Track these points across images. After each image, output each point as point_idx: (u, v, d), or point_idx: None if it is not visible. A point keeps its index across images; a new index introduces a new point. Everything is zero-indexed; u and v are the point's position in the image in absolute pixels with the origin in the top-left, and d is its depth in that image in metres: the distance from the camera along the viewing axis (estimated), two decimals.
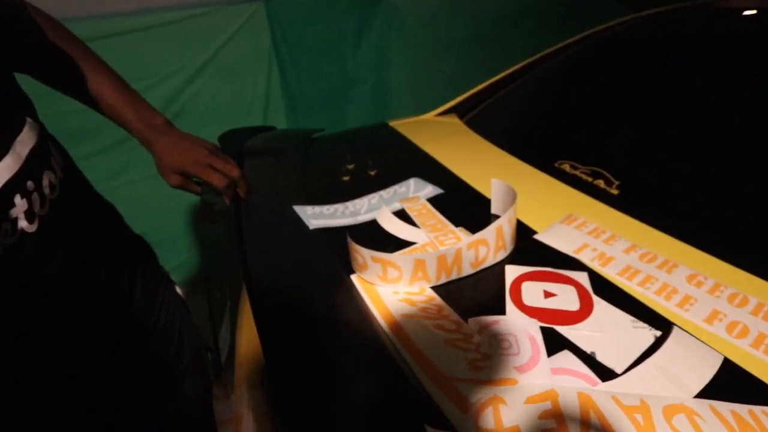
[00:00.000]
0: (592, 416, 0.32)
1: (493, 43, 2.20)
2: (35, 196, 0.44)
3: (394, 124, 1.15)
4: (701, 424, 0.31)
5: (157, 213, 1.75)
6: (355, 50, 1.95)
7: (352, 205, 0.70)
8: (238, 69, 1.72)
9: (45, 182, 0.46)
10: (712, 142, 0.70)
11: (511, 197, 0.57)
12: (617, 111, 0.88)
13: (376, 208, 0.69)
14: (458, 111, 1.19)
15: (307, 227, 0.63)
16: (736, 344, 0.40)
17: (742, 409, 0.33)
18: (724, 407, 0.33)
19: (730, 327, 0.42)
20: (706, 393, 0.35)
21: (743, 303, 0.44)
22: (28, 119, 0.46)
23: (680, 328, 0.41)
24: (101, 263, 0.52)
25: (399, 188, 0.75)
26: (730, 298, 0.45)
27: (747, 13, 0.94)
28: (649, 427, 0.31)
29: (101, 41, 1.46)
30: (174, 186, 0.66)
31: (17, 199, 0.42)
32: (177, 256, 1.87)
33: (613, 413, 0.32)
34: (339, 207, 0.70)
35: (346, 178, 0.82)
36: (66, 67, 0.60)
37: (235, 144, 0.95)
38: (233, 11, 1.63)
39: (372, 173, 0.83)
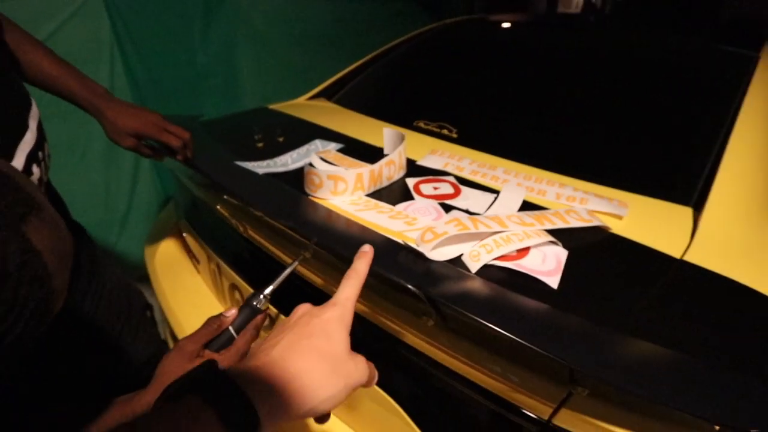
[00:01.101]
0: (477, 223, 0.62)
1: (328, 42, 2.50)
2: (43, 165, 0.53)
3: (273, 106, 1.33)
4: (522, 218, 0.65)
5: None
6: (204, 44, 1.99)
7: (279, 160, 0.89)
8: (76, 57, 1.60)
9: (46, 152, 0.55)
10: (496, 104, 1.13)
11: (400, 137, 0.86)
12: (446, 87, 1.26)
13: (298, 160, 0.89)
14: (325, 95, 1.44)
15: (257, 174, 0.80)
16: (527, 194, 0.76)
17: (537, 212, 0.68)
18: (530, 212, 0.67)
19: (527, 188, 0.78)
20: (520, 210, 0.69)
21: (529, 178, 0.82)
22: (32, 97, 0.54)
23: (506, 190, 0.76)
24: None
25: (309, 147, 0.96)
26: (525, 177, 0.82)
27: (504, 24, 1.46)
28: (500, 222, 0.63)
29: None
30: (126, 148, 0.73)
31: (34, 167, 0.51)
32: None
33: (484, 220, 0.63)
34: (269, 162, 0.87)
35: (260, 145, 0.99)
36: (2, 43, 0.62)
37: None
38: None
39: (280, 140, 1.02)
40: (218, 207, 0.82)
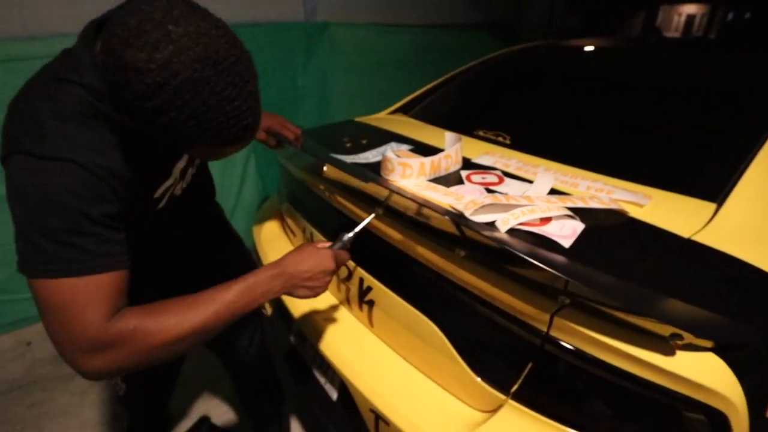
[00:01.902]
0: (510, 200, 0.80)
1: (409, 68, 2.81)
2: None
3: (359, 119, 1.62)
4: (549, 198, 0.82)
5: None
6: (304, 71, 2.38)
7: (362, 155, 1.14)
8: None
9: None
10: (545, 116, 1.29)
11: (457, 138, 1.07)
12: (505, 103, 1.45)
13: (377, 156, 1.14)
14: (403, 110, 1.70)
15: (346, 162, 1.06)
16: (559, 184, 0.93)
17: (562, 196, 0.84)
18: (556, 195, 0.84)
19: (561, 181, 0.95)
20: (549, 194, 0.86)
21: (566, 173, 0.98)
22: None
23: (539, 178, 0.93)
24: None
25: (386, 147, 1.21)
26: (562, 173, 0.99)
27: (577, 47, 1.61)
28: (529, 199, 0.81)
29: None
30: (259, 140, 1.04)
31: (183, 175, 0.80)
32: None
33: (517, 198, 0.81)
34: (355, 156, 1.13)
35: (348, 145, 1.25)
36: None
37: None
38: None
39: (363, 142, 1.28)
40: (317, 184, 1.09)
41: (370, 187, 0.90)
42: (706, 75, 1.23)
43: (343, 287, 1.06)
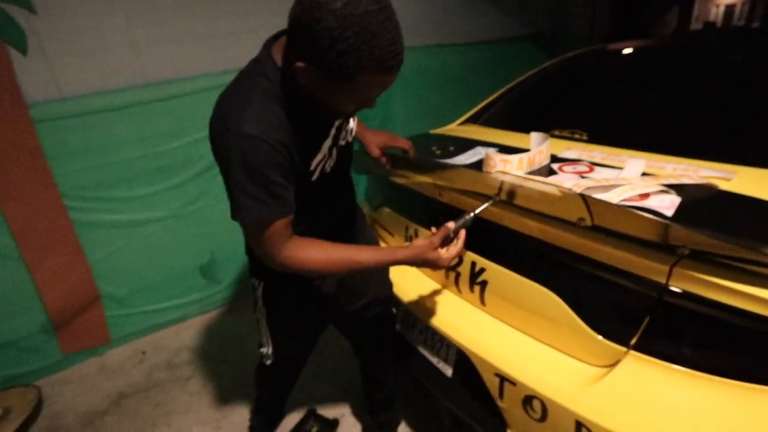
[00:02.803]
0: (610, 181, 0.93)
1: (461, 84, 2.98)
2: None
3: (433, 131, 1.78)
4: (645, 178, 0.94)
5: (224, 231, 2.22)
6: None
7: (457, 159, 1.30)
8: None
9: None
10: (616, 111, 1.40)
11: (545, 137, 1.20)
12: (573, 104, 1.58)
13: (471, 158, 1.29)
14: (472, 120, 1.85)
15: (449, 164, 1.21)
16: (647, 169, 1.04)
17: (652, 177, 0.96)
18: (648, 177, 0.96)
19: (648, 166, 1.06)
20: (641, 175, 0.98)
21: (655, 159, 1.09)
22: None
23: (629, 163, 1.05)
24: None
25: (475, 150, 1.36)
26: (648, 159, 1.10)
27: (624, 51, 1.73)
28: (627, 180, 0.93)
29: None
30: (374, 155, 1.21)
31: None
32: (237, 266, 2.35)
33: (610, 180, 0.93)
34: (452, 160, 1.29)
35: (438, 152, 1.42)
36: None
37: None
38: None
39: (451, 149, 1.43)
40: (425, 186, 1.25)
41: (482, 181, 1.05)
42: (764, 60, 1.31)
43: (451, 274, 1.20)
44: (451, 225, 0.96)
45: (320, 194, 0.99)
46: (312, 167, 0.92)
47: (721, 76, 1.31)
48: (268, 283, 1.12)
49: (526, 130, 1.51)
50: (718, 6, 14.21)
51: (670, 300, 0.76)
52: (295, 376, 1.46)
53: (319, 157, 0.92)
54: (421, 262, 0.95)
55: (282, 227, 0.85)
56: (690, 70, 1.40)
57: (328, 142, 0.94)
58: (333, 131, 0.95)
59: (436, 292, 1.27)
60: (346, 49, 0.67)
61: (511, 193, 0.96)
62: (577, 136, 1.36)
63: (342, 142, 1.00)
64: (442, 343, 1.18)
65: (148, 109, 1.93)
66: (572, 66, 1.82)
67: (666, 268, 0.74)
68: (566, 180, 1.03)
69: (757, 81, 1.24)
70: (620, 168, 1.07)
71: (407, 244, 0.97)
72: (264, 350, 1.23)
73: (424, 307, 1.24)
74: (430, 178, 1.19)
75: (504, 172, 1.10)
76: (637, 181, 0.93)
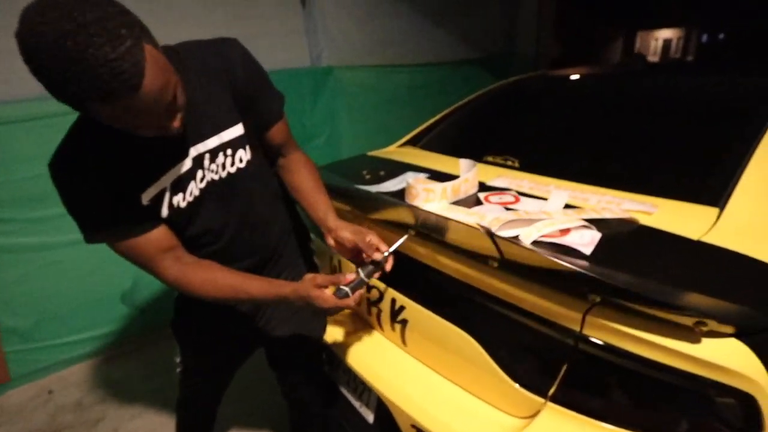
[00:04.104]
0: (531, 215, 0.88)
1: (409, 104, 2.96)
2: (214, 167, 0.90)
3: (371, 153, 1.71)
4: (566, 211, 0.89)
5: None
6: (312, 112, 2.52)
7: (383, 185, 1.22)
8: None
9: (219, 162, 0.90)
10: (549, 139, 1.38)
11: (473, 164, 1.15)
12: (509, 130, 1.55)
13: (397, 185, 1.22)
14: (411, 143, 1.80)
15: (372, 192, 1.13)
16: (572, 201, 1.00)
17: (577, 210, 0.92)
18: (572, 209, 0.91)
19: (573, 198, 1.02)
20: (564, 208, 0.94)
21: (575, 191, 1.06)
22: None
23: (553, 195, 1.00)
24: None
25: (404, 176, 1.29)
26: (573, 189, 1.06)
27: (565, 77, 1.74)
28: (548, 214, 0.88)
29: None
30: (329, 244, 1.00)
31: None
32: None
33: (534, 214, 0.88)
34: (377, 186, 1.21)
35: (368, 177, 1.34)
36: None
37: None
38: None
39: (381, 173, 1.36)
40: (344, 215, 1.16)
41: (398, 213, 0.98)
42: (695, 92, 1.34)
43: (374, 309, 1.11)
44: (349, 277, 0.85)
45: (197, 231, 0.89)
46: (145, 202, 0.80)
47: (647, 108, 1.32)
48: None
49: (463, 154, 1.47)
50: (656, 40, 15.40)
51: (585, 349, 0.70)
52: (210, 398, 1.30)
53: (152, 191, 0.80)
54: (302, 300, 0.83)
55: (147, 247, 0.80)
56: (617, 100, 1.41)
57: (170, 177, 0.82)
58: (188, 164, 0.84)
59: (359, 329, 1.17)
60: (54, 79, 0.57)
61: (426, 227, 0.89)
62: (509, 163, 1.32)
63: (217, 176, 0.89)
64: (364, 387, 1.08)
65: (54, 123, 1.75)
66: (511, 92, 1.81)
67: (579, 315, 0.68)
68: (490, 211, 0.97)
69: (681, 114, 1.25)
70: (545, 199, 1.02)
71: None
72: (177, 359, 1.14)
73: (346, 345, 1.14)
74: (349, 206, 1.11)
75: (428, 201, 1.03)
76: (559, 215, 0.88)
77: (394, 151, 1.75)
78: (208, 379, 1.19)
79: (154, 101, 0.63)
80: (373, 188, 1.18)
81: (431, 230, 0.88)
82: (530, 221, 0.86)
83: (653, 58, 14.40)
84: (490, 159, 1.38)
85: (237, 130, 0.89)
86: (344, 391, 1.17)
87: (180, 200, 0.84)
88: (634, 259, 0.76)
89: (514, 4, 3.62)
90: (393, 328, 1.05)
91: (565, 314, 0.71)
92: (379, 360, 1.05)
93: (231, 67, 0.87)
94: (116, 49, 0.56)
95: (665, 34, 15.00)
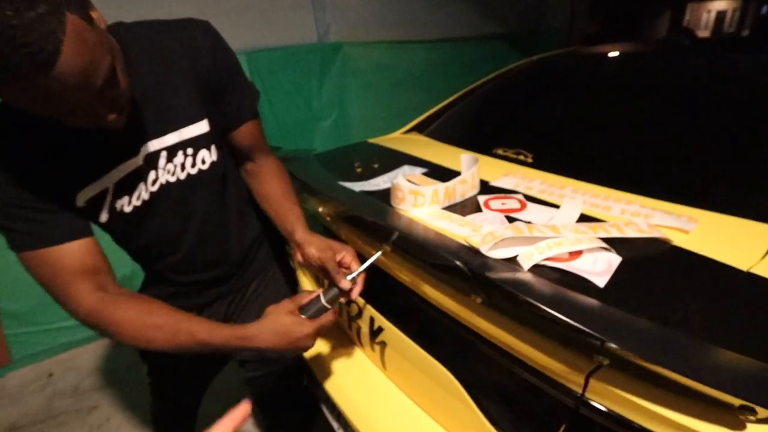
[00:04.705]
0: (533, 229, 0.71)
1: (426, 84, 2.75)
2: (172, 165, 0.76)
3: (372, 140, 1.56)
4: (578, 227, 0.72)
5: None
6: (319, 92, 2.36)
7: (373, 181, 1.08)
8: None
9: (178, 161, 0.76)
10: (569, 131, 1.19)
11: (474, 160, 0.98)
12: (526, 118, 1.36)
13: (388, 181, 1.07)
14: (418, 129, 1.63)
15: (353, 191, 0.99)
16: (590, 209, 0.83)
17: (594, 223, 0.75)
18: (587, 223, 0.75)
19: (591, 205, 0.85)
20: (579, 220, 0.77)
21: (597, 195, 0.88)
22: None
23: (566, 204, 0.83)
24: None
25: (399, 171, 1.14)
26: (592, 195, 0.89)
27: (596, 56, 1.51)
28: (555, 229, 0.71)
29: None
30: (296, 260, 0.87)
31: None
32: None
33: (540, 228, 0.72)
34: (365, 183, 1.06)
35: (359, 170, 1.19)
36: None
37: None
38: None
39: (375, 166, 1.21)
40: (324, 217, 1.02)
41: (376, 219, 0.83)
42: (753, 77, 1.11)
43: (354, 325, 0.98)
44: (306, 298, 0.72)
45: (146, 241, 0.77)
46: (80, 204, 0.68)
47: (693, 96, 1.10)
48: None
49: (471, 146, 1.30)
50: (709, 12, 14.18)
51: (587, 414, 0.54)
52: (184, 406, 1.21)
53: (90, 191, 0.68)
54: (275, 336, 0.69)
55: (62, 262, 0.64)
56: (656, 86, 1.19)
57: (115, 176, 0.70)
58: (138, 163, 0.71)
59: (340, 344, 1.05)
60: None
61: (406, 240, 0.74)
62: (521, 157, 1.14)
63: (174, 178, 0.76)
64: (340, 412, 0.96)
65: None
66: (532, 73, 1.60)
67: (582, 377, 0.53)
68: (487, 221, 0.81)
69: (735, 105, 1.03)
70: (558, 206, 0.85)
71: None
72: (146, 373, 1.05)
73: (325, 363, 1.02)
74: (329, 208, 0.97)
75: (416, 206, 0.88)
76: (569, 231, 0.72)
77: (398, 139, 1.58)
78: (179, 393, 1.10)
79: (75, 85, 0.50)
80: (358, 186, 1.03)
81: (411, 245, 0.73)
82: (534, 239, 0.70)
83: (704, 33, 13.29)
84: (500, 152, 1.20)
85: (201, 127, 0.76)
86: (324, 410, 1.06)
87: (124, 204, 0.72)
88: (659, 301, 0.59)
89: None
90: (373, 349, 0.92)
91: (563, 371, 0.55)
92: (355, 383, 0.93)
93: (197, 55, 0.74)
94: (22, 14, 0.43)
95: (719, 5, 13.78)
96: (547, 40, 3.35)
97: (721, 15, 13.78)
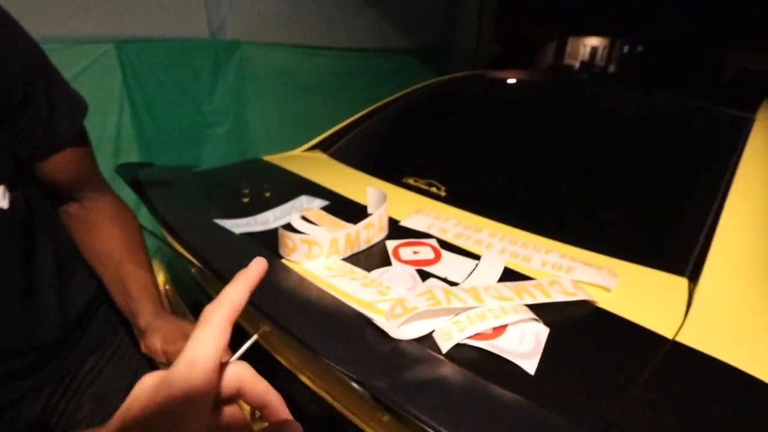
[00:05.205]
0: (450, 296, 0.58)
1: (331, 93, 2.59)
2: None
3: (268, 158, 1.34)
4: (501, 290, 0.61)
5: None
6: (211, 95, 2.06)
7: (261, 217, 0.87)
8: None
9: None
10: (487, 162, 1.12)
11: (382, 197, 0.84)
12: (438, 144, 1.26)
13: (280, 218, 0.88)
14: (321, 147, 1.45)
15: (233, 233, 0.78)
16: (511, 260, 0.73)
17: (518, 283, 0.64)
18: (511, 284, 0.64)
19: (511, 254, 0.75)
20: (500, 280, 0.66)
21: (515, 242, 0.79)
22: None
23: (487, 257, 0.72)
24: None
25: (294, 203, 0.95)
26: (510, 242, 0.79)
27: (502, 82, 1.48)
28: (476, 295, 0.59)
29: None
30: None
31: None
32: None
33: (459, 294, 0.59)
34: (250, 219, 0.86)
35: (246, 200, 0.98)
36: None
37: (128, 176, 1.01)
38: (79, 51, 1.60)
39: (267, 195, 1.01)
40: (190, 269, 0.80)
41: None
42: (656, 117, 1.13)
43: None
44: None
45: None
46: None
47: (603, 132, 1.09)
48: None
49: (377, 172, 1.16)
50: (585, 46, 16.36)
51: None
52: None
53: None
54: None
55: None
56: (568, 117, 1.17)
57: None
58: None
59: None
60: None
61: (291, 319, 0.56)
62: (433, 189, 1.03)
63: None
64: None
65: None
66: (444, 93, 1.53)
67: None
68: (398, 279, 0.67)
69: (637, 143, 1.03)
70: (476, 257, 0.74)
71: None
72: None
73: None
74: (194, 259, 0.74)
75: (310, 257, 0.70)
76: (491, 298, 0.60)
77: (298, 157, 1.39)
78: None
79: None
80: (240, 225, 0.82)
81: (299, 328, 0.55)
82: (450, 311, 0.57)
83: (575, 64, 15.24)
84: (411, 182, 1.08)
85: None
86: None
87: None
88: (594, 394, 0.49)
89: None
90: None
91: None
92: None
93: None
94: None
95: (593, 41, 15.90)
96: (454, 58, 3.40)
97: (594, 50, 15.92)
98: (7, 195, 0.52)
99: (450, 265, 0.72)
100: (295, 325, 0.55)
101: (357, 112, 1.58)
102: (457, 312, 0.57)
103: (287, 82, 2.33)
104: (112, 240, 0.63)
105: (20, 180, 0.54)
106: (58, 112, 0.55)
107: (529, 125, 1.20)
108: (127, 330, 0.78)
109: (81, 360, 0.69)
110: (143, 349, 0.57)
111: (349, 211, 0.92)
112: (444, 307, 0.56)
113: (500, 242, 0.79)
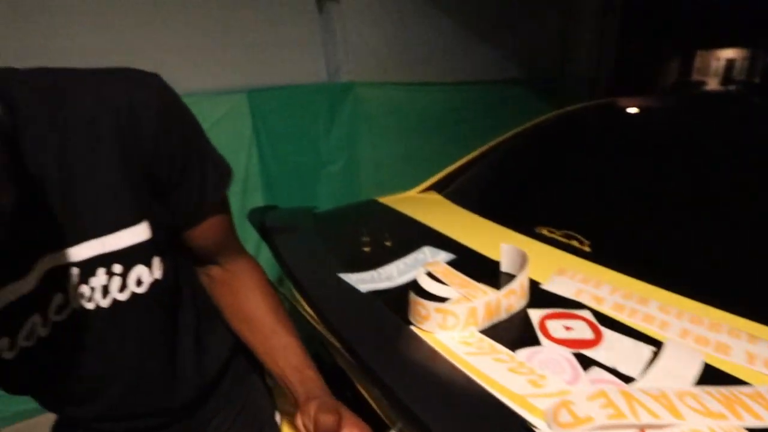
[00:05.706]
0: (635, 405, 0.46)
1: (442, 128, 2.55)
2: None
3: (383, 200, 1.32)
4: (704, 400, 0.46)
5: None
6: (327, 135, 2.16)
7: (384, 271, 0.83)
8: (220, 149, 1.84)
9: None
10: (642, 209, 0.94)
11: (522, 258, 0.73)
12: (570, 186, 1.12)
13: (405, 272, 0.82)
14: (437, 188, 1.39)
15: (359, 291, 0.74)
16: (699, 348, 0.57)
17: (725, 390, 0.49)
18: (714, 390, 0.48)
19: (697, 340, 0.59)
20: (699, 382, 0.51)
21: (700, 322, 0.62)
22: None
23: (672, 347, 0.57)
24: None
25: (418, 255, 0.89)
26: (692, 320, 0.63)
27: (642, 110, 1.29)
28: (671, 406, 0.45)
29: None
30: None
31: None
32: None
33: (646, 401, 0.46)
34: (374, 274, 0.82)
35: (366, 249, 0.95)
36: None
37: (256, 222, 1.05)
38: (216, 101, 1.78)
39: (387, 244, 0.97)
40: (314, 326, 0.77)
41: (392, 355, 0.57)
42: None
43: None
44: None
45: (48, 390, 0.53)
46: None
47: None
48: None
49: (502, 219, 1.05)
50: (718, 60, 14.32)
51: None
52: None
53: None
54: None
55: None
56: (753, 147, 0.95)
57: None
58: (29, 286, 0.45)
59: None
60: None
61: (427, 416, 0.48)
62: (574, 243, 0.89)
63: (92, 306, 0.49)
64: None
65: None
66: (572, 125, 1.38)
67: None
68: (551, 365, 0.56)
69: None
70: (649, 339, 0.59)
71: None
72: None
73: None
74: (321, 319, 0.71)
75: (445, 328, 0.62)
76: (693, 410, 0.45)
77: (413, 199, 1.35)
78: None
79: None
80: (365, 282, 0.78)
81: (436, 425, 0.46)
82: (638, 426, 0.44)
83: (714, 79, 13.31)
84: (545, 232, 0.95)
85: (136, 235, 0.49)
86: None
87: (4, 348, 0.47)
88: None
89: (569, 20, 3.16)
90: None
91: None
92: None
93: (134, 127, 0.47)
94: None
95: (728, 53, 13.89)
96: (569, 87, 3.17)
97: (730, 63, 13.86)
98: (161, 266, 0.53)
99: (616, 349, 0.58)
100: (431, 418, 0.47)
101: (466, 147, 1.50)
102: (644, 429, 0.44)
103: (397, 119, 2.35)
104: (259, 308, 0.62)
105: (169, 249, 0.55)
106: (209, 183, 0.56)
107: (696, 159, 0.99)
108: (253, 383, 0.77)
109: (210, 417, 0.69)
110: (298, 420, 0.53)
111: (478, 266, 0.83)
112: (630, 422, 0.43)
113: (678, 320, 0.63)
